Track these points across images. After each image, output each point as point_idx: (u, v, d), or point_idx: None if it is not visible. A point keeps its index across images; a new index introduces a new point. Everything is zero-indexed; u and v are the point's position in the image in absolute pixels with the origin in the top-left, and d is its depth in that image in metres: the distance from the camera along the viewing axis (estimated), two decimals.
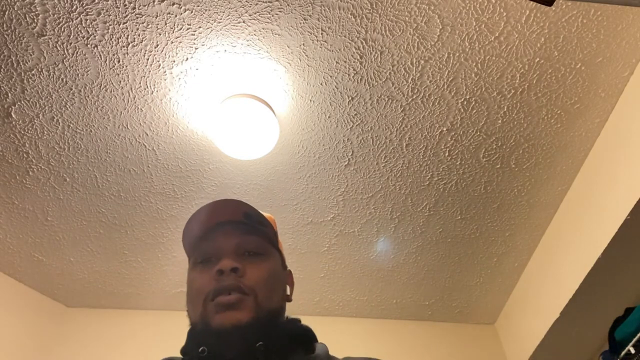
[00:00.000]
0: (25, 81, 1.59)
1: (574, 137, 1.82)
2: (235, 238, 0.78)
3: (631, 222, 1.60)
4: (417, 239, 2.22)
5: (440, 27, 1.49)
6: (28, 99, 1.64)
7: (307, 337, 0.78)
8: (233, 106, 1.63)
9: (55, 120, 1.71)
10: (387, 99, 1.69)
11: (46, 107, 1.66)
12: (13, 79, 1.58)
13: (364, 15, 1.46)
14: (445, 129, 1.78)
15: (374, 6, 1.44)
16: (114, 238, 2.18)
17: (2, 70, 1.55)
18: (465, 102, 1.70)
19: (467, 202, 2.06)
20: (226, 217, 0.80)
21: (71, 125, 1.73)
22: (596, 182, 1.82)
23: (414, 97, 1.68)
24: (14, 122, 1.70)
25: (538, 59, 1.58)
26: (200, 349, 0.69)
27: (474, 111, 1.73)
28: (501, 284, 2.47)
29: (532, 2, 1.41)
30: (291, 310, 0.83)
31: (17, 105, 1.65)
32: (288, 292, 0.85)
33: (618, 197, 1.66)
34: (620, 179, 1.66)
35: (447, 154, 1.87)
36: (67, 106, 1.67)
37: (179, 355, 0.76)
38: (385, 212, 2.10)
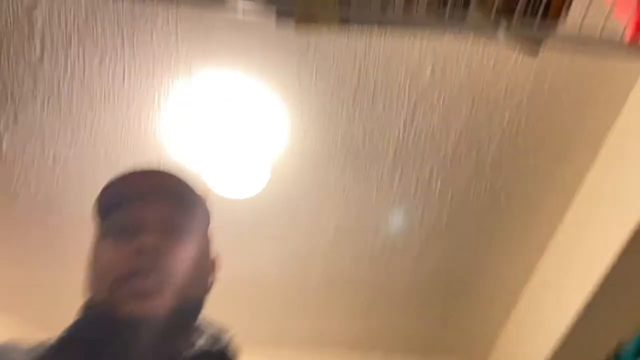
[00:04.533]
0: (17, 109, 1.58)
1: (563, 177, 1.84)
2: (161, 210, 0.66)
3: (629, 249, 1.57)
4: (409, 272, 2.21)
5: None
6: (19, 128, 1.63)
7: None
8: (224, 142, 1.64)
9: (45, 152, 1.69)
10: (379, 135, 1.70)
11: (38, 139, 1.66)
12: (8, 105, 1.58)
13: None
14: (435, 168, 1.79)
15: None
16: None
17: None
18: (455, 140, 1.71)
19: (459, 241, 2.06)
20: (153, 186, 0.68)
21: (61, 158, 1.71)
22: (582, 228, 1.82)
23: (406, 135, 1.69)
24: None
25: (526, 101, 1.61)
26: (96, 340, 0.57)
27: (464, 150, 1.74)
28: (493, 318, 2.45)
29: (518, 51, 1.44)
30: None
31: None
32: (209, 283, 0.73)
33: (615, 221, 1.65)
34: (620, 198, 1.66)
35: (437, 192, 1.87)
36: (58, 138, 1.66)
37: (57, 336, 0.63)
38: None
